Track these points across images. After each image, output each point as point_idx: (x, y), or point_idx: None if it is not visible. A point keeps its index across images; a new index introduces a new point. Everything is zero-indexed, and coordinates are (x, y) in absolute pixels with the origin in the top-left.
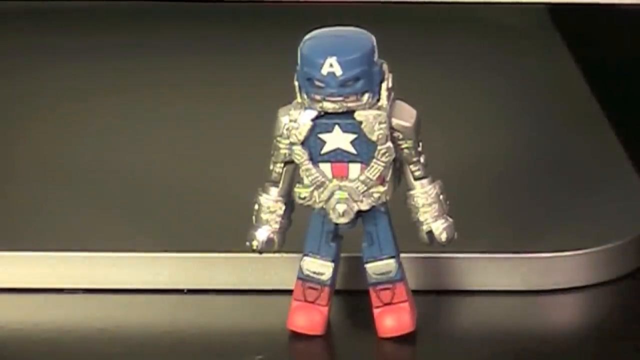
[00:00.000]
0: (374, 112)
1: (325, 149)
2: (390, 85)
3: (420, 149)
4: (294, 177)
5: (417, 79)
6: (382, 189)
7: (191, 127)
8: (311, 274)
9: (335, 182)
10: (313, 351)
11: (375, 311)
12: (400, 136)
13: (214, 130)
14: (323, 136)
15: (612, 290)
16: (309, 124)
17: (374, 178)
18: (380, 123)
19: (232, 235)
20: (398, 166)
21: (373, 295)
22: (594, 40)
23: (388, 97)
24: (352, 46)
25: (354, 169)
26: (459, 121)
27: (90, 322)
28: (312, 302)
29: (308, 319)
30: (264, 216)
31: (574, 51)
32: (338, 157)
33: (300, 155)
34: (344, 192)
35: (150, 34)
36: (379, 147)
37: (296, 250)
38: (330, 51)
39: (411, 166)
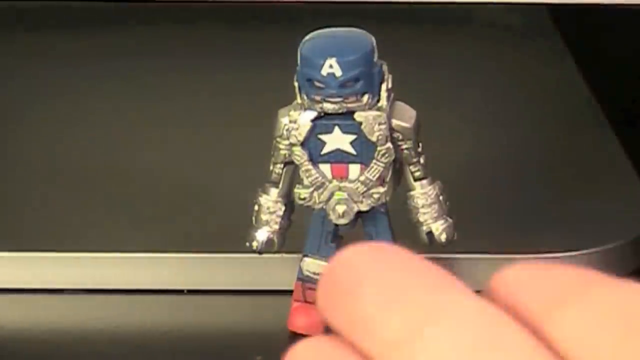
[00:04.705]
0: (373, 113)
1: (325, 150)
2: (390, 86)
3: (420, 149)
4: (294, 178)
5: (417, 79)
6: (381, 189)
7: (191, 127)
8: (311, 275)
9: (335, 182)
10: None
11: None
12: (400, 137)
13: (214, 131)
14: (323, 137)
15: None
16: (309, 124)
17: (374, 179)
18: (380, 124)
19: (232, 235)
20: (398, 167)
21: None
22: (594, 40)
23: (388, 97)
24: (352, 47)
25: (354, 169)
26: (459, 121)
27: (90, 322)
28: (312, 303)
29: (308, 319)
30: (263, 217)
31: (574, 51)
32: (338, 157)
33: (300, 156)
34: (344, 192)
35: (150, 34)
36: (378, 148)
37: (296, 250)
38: (330, 52)
39: (411, 167)
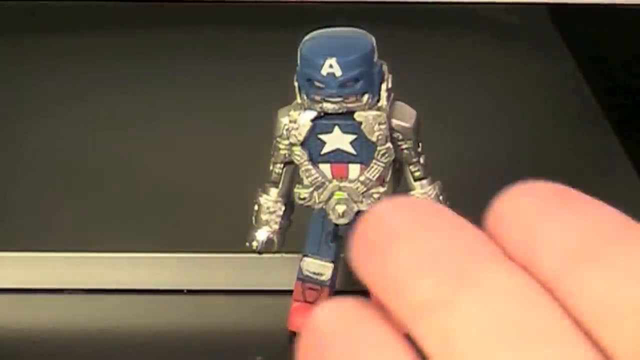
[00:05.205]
0: (373, 112)
1: (325, 150)
2: (389, 86)
3: (420, 149)
4: (294, 178)
5: (417, 79)
6: (381, 189)
7: (191, 127)
8: (311, 275)
9: (335, 182)
10: None
11: None
12: (400, 137)
13: (214, 131)
14: (323, 137)
15: None
16: (309, 124)
17: (374, 179)
18: (379, 124)
19: (232, 235)
20: (398, 167)
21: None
22: (594, 40)
23: (388, 97)
24: (352, 47)
25: (354, 169)
26: (459, 121)
27: (90, 322)
28: (312, 303)
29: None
30: (263, 217)
31: (574, 51)
32: (338, 157)
33: (299, 155)
34: (344, 192)
35: (150, 35)
36: (378, 148)
37: (296, 250)
38: (330, 52)
39: (411, 167)
